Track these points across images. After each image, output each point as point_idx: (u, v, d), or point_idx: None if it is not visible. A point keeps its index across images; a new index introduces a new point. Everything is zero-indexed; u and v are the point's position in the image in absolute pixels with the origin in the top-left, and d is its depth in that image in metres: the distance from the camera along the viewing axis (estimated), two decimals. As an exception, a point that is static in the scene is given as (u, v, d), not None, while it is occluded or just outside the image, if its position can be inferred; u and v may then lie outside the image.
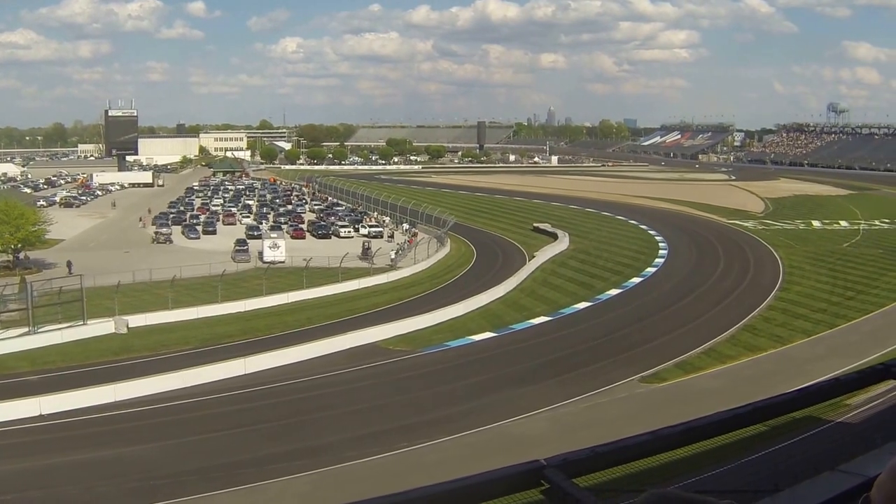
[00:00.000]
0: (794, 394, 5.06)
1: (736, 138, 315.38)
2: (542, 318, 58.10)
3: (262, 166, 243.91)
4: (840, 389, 5.51)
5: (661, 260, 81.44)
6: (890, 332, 50.92)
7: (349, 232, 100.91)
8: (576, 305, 61.82)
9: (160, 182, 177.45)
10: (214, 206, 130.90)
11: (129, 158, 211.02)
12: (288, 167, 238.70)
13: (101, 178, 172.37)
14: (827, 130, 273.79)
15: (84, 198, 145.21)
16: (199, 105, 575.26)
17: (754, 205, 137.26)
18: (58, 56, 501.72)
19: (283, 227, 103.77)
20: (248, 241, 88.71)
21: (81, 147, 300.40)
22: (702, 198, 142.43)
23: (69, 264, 71.40)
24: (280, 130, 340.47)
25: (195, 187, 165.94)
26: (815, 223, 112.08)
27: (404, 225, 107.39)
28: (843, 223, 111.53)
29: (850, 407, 29.03)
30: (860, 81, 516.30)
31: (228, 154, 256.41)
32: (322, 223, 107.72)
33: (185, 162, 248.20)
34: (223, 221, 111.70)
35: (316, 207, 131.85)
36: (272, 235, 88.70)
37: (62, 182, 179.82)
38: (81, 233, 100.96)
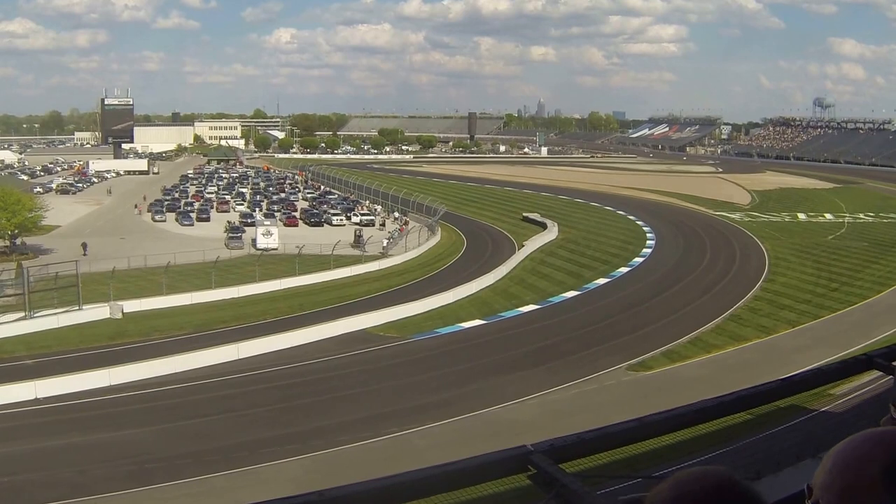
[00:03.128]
0: (778, 383, 4.96)
1: (723, 131, 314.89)
2: (531, 307, 58.52)
3: (256, 155, 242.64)
4: (823, 379, 5.47)
5: (649, 250, 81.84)
6: (873, 324, 51.51)
7: (341, 220, 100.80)
8: (564, 294, 62.23)
9: (155, 170, 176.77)
10: (209, 193, 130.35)
11: (125, 146, 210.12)
12: (281, 156, 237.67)
13: (97, 165, 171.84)
14: (813, 125, 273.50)
15: (80, 185, 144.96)
16: (194, 94, 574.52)
17: (741, 197, 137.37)
18: (55, 45, 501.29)
19: (277, 214, 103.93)
20: (241, 228, 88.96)
21: (78, 135, 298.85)
22: (689, 189, 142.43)
23: (84, 246, 74.20)
24: (274, 119, 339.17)
25: (190, 175, 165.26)
26: (801, 216, 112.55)
27: (395, 213, 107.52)
28: (829, 216, 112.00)
29: (834, 396, 29.80)
30: (845, 77, 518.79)
31: (223, 142, 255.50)
32: (315, 211, 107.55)
33: (180, 150, 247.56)
34: (217, 209, 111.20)
35: (309, 196, 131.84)
36: (265, 223, 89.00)
37: (59, 169, 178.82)
38: (77, 219, 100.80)
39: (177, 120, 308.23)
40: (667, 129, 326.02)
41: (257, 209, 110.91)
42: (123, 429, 34.99)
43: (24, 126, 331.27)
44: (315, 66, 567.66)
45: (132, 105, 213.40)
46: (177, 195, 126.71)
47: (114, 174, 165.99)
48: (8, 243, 75.95)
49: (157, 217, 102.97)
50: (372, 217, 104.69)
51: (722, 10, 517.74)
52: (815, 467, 4.92)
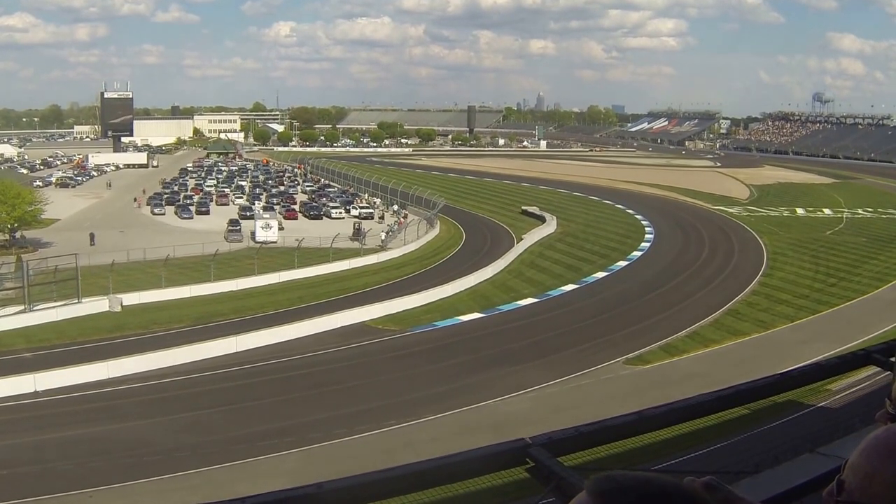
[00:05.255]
0: (775, 378, 4.90)
1: (722, 126, 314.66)
2: (530, 300, 58.65)
3: (256, 148, 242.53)
4: (821, 374, 5.43)
5: (647, 244, 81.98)
6: (871, 319, 51.39)
7: (340, 213, 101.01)
8: (562, 287, 62.35)
9: (154, 163, 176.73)
10: (208, 186, 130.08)
11: (125, 140, 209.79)
12: (281, 149, 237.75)
13: (96, 158, 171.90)
14: (812, 119, 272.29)
15: (80, 178, 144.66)
16: (193, 87, 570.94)
17: (739, 191, 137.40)
18: (55, 39, 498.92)
19: (276, 207, 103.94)
20: (240, 221, 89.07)
21: (77, 128, 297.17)
22: (688, 184, 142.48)
23: (91, 236, 75.96)
24: (273, 113, 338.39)
25: (189, 168, 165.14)
26: (799, 210, 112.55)
27: (394, 206, 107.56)
28: (827, 211, 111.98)
29: (831, 392, 29.81)
30: (845, 72, 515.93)
31: (222, 136, 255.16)
32: (314, 204, 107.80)
33: (180, 143, 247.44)
34: (216, 202, 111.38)
35: (308, 189, 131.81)
36: (264, 216, 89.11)
37: (58, 163, 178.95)
38: (77, 213, 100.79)
39: (176, 113, 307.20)
40: (666, 123, 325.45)
41: (256, 202, 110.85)
42: (122, 421, 35.12)
43: (24, 120, 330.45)
44: (314, 59, 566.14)
45: (131, 98, 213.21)
46: (176, 188, 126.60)
47: (113, 167, 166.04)
48: (7, 237, 76.04)
49: (156, 210, 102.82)
50: (371, 210, 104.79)
51: (721, 5, 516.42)
52: (812, 462, 4.87)
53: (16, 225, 76.02)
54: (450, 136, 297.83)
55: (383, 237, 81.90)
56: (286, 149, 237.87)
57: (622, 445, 4.13)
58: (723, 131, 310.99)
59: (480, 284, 63.14)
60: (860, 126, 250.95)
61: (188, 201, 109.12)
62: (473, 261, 71.53)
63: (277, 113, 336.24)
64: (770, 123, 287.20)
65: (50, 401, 37.50)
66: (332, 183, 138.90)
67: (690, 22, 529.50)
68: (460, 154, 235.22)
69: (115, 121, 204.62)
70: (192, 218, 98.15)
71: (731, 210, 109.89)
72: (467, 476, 3.51)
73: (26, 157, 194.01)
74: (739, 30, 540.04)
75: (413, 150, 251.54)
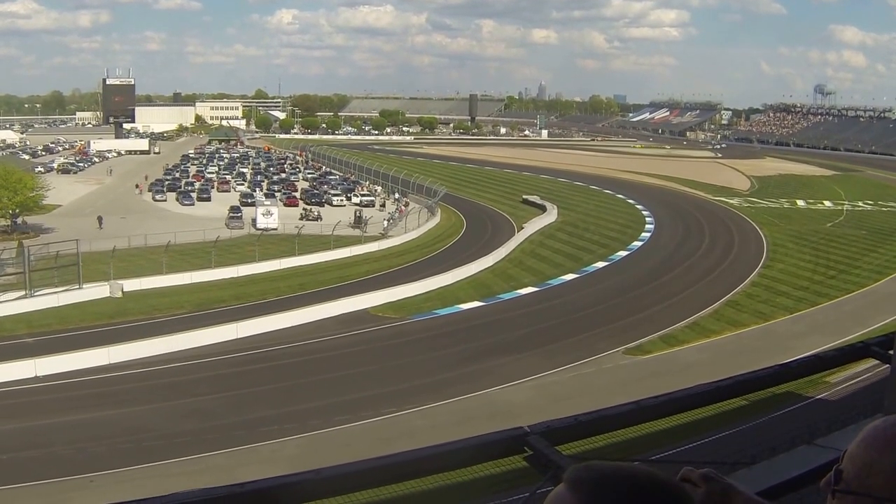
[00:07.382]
0: (774, 369, 4.91)
1: (723, 116, 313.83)
2: (530, 289, 58.66)
3: (257, 135, 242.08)
4: (820, 366, 5.40)
5: (648, 234, 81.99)
6: (871, 312, 51.45)
7: (341, 200, 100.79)
8: (563, 277, 62.35)
9: (156, 150, 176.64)
10: (209, 173, 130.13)
11: (126, 126, 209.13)
12: (282, 136, 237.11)
13: (98, 145, 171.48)
14: (813, 111, 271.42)
15: (81, 164, 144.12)
16: (195, 74, 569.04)
17: (740, 182, 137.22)
18: (57, 25, 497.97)
19: (277, 194, 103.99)
20: (241, 208, 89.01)
21: (79, 115, 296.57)
22: (689, 174, 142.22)
23: (100, 219, 77.26)
24: (275, 100, 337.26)
25: (191, 155, 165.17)
26: (800, 202, 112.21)
27: (395, 195, 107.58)
28: (828, 203, 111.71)
29: (830, 384, 29.87)
30: (846, 64, 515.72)
31: (224, 123, 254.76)
32: (315, 191, 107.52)
33: (181, 130, 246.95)
34: (218, 189, 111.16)
35: (309, 176, 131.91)
36: (266, 203, 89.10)
37: (60, 149, 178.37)
38: (79, 198, 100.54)
39: (178, 100, 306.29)
40: (667, 113, 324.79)
41: (258, 189, 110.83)
42: (122, 407, 35.17)
43: (26, 106, 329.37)
44: (317, 46, 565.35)
45: (133, 85, 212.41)
46: (178, 175, 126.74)
47: (115, 154, 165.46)
48: (9, 222, 76.04)
49: (157, 197, 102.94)
50: (372, 198, 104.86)
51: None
52: (809, 454, 4.91)
53: (17, 210, 76.04)
54: (451, 125, 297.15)
55: (384, 225, 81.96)
56: (288, 136, 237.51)
57: (620, 435, 4.18)
58: (724, 122, 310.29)
59: (481, 273, 63.15)
60: (861, 118, 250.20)
61: (189, 188, 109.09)
62: (474, 249, 71.51)
63: (279, 100, 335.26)
64: (771, 115, 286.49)
65: (50, 386, 37.58)
66: (333, 170, 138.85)
67: (692, 12, 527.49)
68: (462, 142, 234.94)
69: (116, 107, 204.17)
70: (193, 204, 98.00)
71: (731, 201, 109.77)
72: (465, 464, 3.55)
73: (28, 142, 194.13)
74: (741, 21, 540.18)
75: (414, 139, 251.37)
